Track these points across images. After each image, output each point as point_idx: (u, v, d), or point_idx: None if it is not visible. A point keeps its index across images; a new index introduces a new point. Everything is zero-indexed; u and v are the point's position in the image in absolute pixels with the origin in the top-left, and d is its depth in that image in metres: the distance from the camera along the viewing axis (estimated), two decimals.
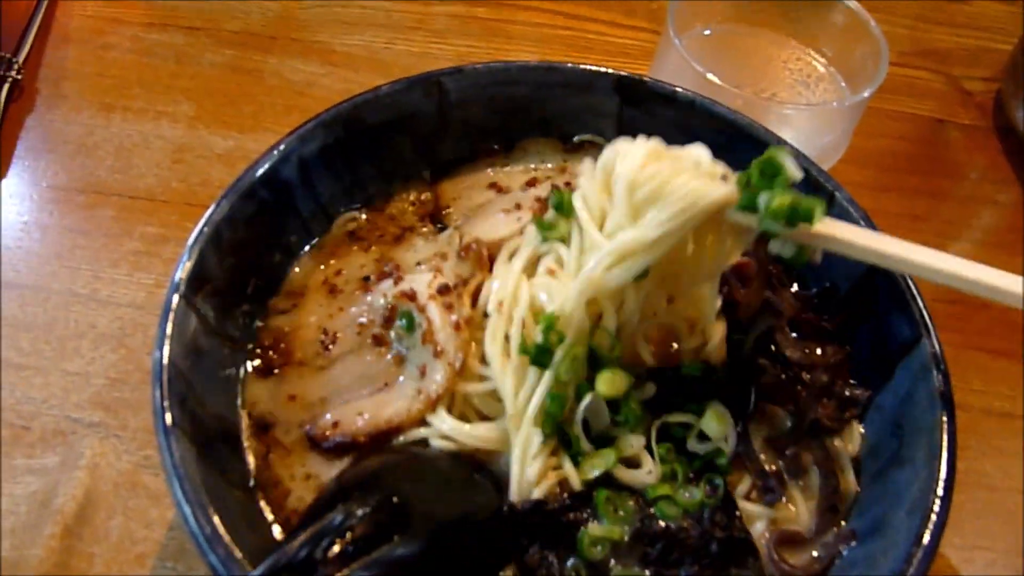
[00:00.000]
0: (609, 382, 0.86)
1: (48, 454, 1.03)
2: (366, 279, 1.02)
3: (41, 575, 0.93)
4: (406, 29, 1.56)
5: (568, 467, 0.86)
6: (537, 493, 0.85)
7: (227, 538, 0.72)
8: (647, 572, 0.83)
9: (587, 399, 0.86)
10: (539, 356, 0.85)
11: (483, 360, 0.90)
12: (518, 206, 1.05)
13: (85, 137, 1.35)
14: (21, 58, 1.41)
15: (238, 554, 0.72)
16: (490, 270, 0.97)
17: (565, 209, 0.88)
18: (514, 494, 0.85)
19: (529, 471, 0.85)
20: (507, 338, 0.87)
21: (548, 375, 0.85)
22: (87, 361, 1.11)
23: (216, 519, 0.73)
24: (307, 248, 1.06)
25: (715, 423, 0.89)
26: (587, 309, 0.85)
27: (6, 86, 1.37)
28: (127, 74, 1.44)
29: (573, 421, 0.87)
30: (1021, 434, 1.16)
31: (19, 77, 1.39)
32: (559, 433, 0.87)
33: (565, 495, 0.85)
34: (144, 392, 0.77)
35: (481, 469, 0.88)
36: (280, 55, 1.49)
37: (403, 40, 1.54)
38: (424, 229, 1.09)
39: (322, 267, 1.04)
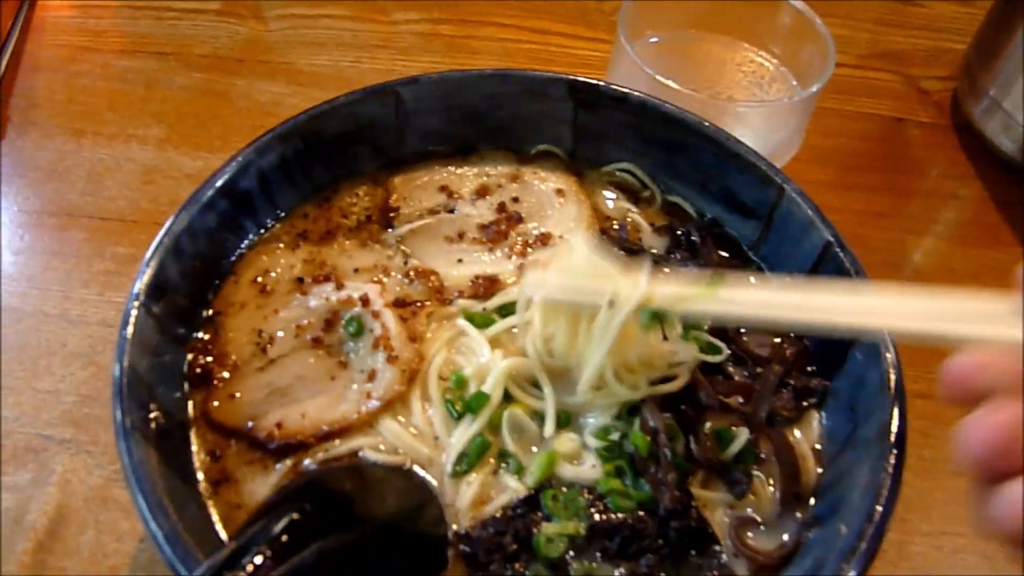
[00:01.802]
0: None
1: (20, 471, 1.04)
2: (300, 280, 1.01)
3: None
4: (372, 47, 1.59)
5: (510, 482, 0.87)
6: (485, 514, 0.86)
7: (185, 536, 0.73)
8: (607, 566, 0.84)
9: (505, 416, 0.89)
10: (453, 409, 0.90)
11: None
12: (460, 235, 1.07)
13: (57, 162, 1.37)
14: None
15: (196, 552, 0.72)
16: (441, 301, 1.00)
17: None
18: (459, 522, 0.86)
19: (465, 497, 0.86)
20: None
21: (475, 425, 0.88)
22: (58, 379, 1.12)
23: (174, 518, 0.74)
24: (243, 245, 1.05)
25: (639, 441, 0.87)
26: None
27: None
28: (98, 100, 1.47)
29: (503, 443, 0.89)
30: None
31: None
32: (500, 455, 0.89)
33: (508, 508, 0.86)
34: None
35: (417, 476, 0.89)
36: (248, 77, 1.52)
37: (369, 58, 1.57)
38: (363, 232, 1.07)
39: (252, 266, 1.02)
